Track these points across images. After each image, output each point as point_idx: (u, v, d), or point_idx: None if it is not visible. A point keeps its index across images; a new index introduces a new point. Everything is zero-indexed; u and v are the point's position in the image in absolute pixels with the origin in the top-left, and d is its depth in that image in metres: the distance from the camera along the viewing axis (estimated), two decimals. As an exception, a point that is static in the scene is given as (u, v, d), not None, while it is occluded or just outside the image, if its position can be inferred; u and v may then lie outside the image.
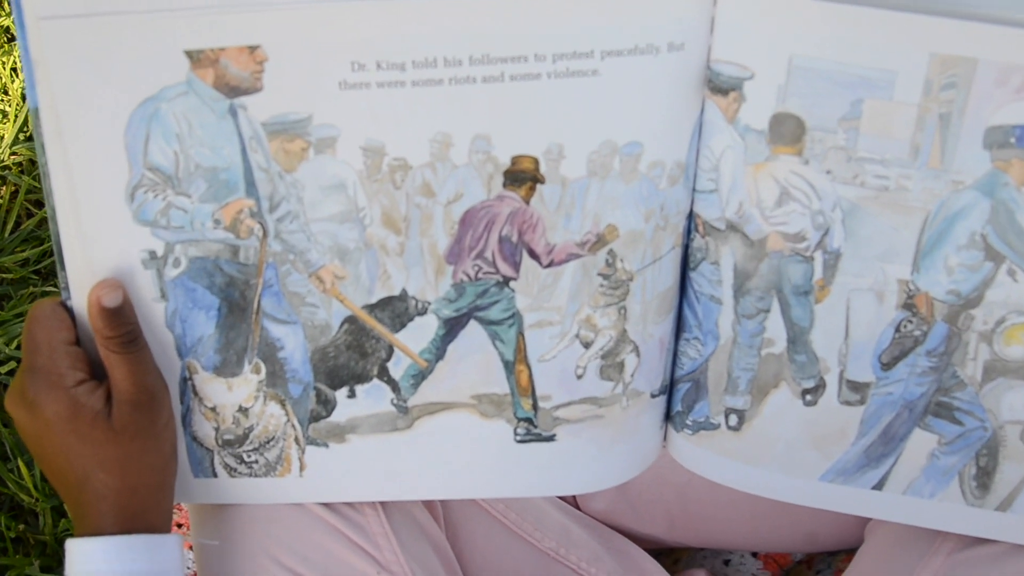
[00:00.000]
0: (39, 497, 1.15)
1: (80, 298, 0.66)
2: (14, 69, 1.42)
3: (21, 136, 1.38)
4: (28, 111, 1.38)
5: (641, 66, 0.62)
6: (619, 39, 0.61)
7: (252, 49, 0.61)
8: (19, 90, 1.40)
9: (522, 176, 0.64)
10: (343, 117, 0.63)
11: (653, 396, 0.73)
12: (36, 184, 1.36)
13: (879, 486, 0.72)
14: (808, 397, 0.70)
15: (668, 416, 0.76)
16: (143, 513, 0.67)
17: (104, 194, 0.64)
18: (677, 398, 0.74)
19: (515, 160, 0.64)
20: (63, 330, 0.65)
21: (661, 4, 0.61)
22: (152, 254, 0.66)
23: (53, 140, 0.63)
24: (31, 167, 1.37)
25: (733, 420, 0.72)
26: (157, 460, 0.68)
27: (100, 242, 0.66)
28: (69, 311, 0.67)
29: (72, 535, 0.66)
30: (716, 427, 0.73)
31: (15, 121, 1.38)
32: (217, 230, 0.65)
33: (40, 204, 1.38)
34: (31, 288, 1.31)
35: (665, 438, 0.77)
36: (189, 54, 0.61)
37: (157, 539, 0.66)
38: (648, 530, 0.92)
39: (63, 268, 0.66)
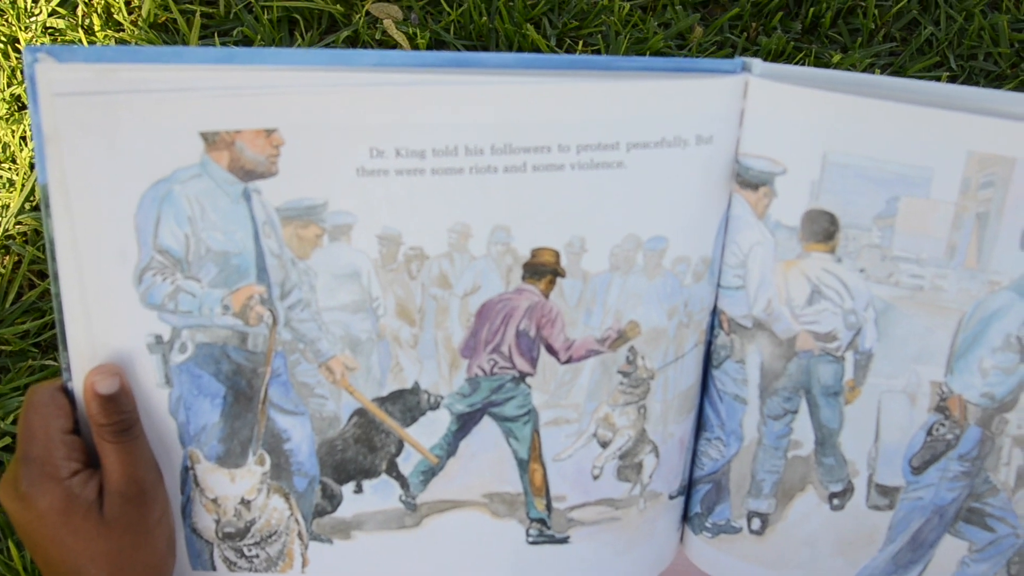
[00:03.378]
0: None
1: (81, 381, 0.64)
2: (23, 137, 1.41)
3: (27, 206, 1.37)
4: (36, 184, 1.37)
5: (668, 159, 0.60)
6: (645, 131, 0.59)
7: (269, 132, 0.59)
8: (27, 159, 1.39)
9: (542, 269, 0.62)
10: (360, 204, 0.61)
11: (671, 498, 0.70)
12: (40, 255, 1.34)
13: None
14: (835, 501, 0.67)
15: (685, 517, 0.73)
16: None
17: (111, 275, 0.62)
18: (696, 499, 0.71)
19: (535, 252, 0.62)
20: (60, 418, 0.63)
21: (690, 96, 0.59)
22: (158, 338, 0.64)
23: (61, 217, 0.61)
24: (36, 237, 1.35)
25: (756, 524, 0.69)
26: (150, 557, 0.65)
27: (105, 324, 0.63)
28: (69, 394, 0.64)
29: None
30: (738, 531, 0.69)
31: (21, 190, 1.37)
32: (226, 316, 0.63)
33: (43, 275, 1.36)
34: (30, 361, 1.28)
35: (681, 539, 0.74)
36: (204, 136, 0.59)
37: None
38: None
39: (65, 349, 0.64)
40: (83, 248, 0.62)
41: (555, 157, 0.59)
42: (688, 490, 0.72)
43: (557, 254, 0.61)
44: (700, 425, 0.70)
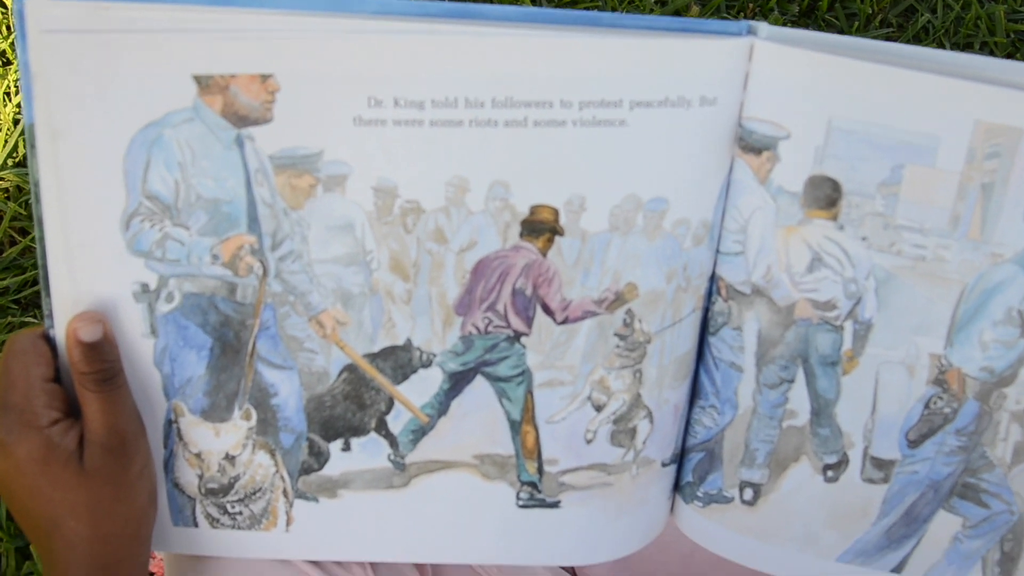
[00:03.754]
0: (3, 537, 1.10)
1: (64, 328, 0.62)
2: (7, 93, 1.39)
3: (10, 162, 1.35)
4: (23, 130, 1.35)
5: (671, 119, 0.59)
6: (649, 90, 0.58)
7: (264, 78, 0.58)
8: (11, 114, 1.37)
9: (540, 227, 0.61)
10: (356, 154, 0.59)
11: (664, 465, 0.70)
12: (22, 211, 1.32)
13: (899, 569, 0.69)
14: (829, 473, 0.66)
15: (677, 486, 0.72)
16: (116, 564, 0.62)
17: (98, 220, 0.61)
18: (688, 468, 0.70)
19: (534, 210, 0.60)
20: (41, 365, 0.61)
21: (695, 56, 0.58)
22: (144, 287, 0.62)
23: (47, 159, 0.59)
24: (17, 193, 1.34)
25: (748, 494, 0.68)
26: (130, 510, 0.63)
27: (89, 271, 0.62)
28: (51, 342, 0.63)
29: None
30: (729, 500, 0.69)
31: (4, 146, 1.35)
32: (215, 266, 0.62)
33: (25, 232, 1.34)
34: (9, 318, 1.26)
35: (672, 509, 0.73)
36: (198, 79, 0.58)
37: None
38: (648, 602, 0.87)
39: (48, 295, 0.62)
40: (69, 191, 0.60)
41: (557, 113, 0.58)
42: (680, 459, 0.71)
43: (556, 212, 0.60)
44: (694, 393, 0.69)
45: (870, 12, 1.59)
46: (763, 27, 0.59)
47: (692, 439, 0.69)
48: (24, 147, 1.36)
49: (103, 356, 0.61)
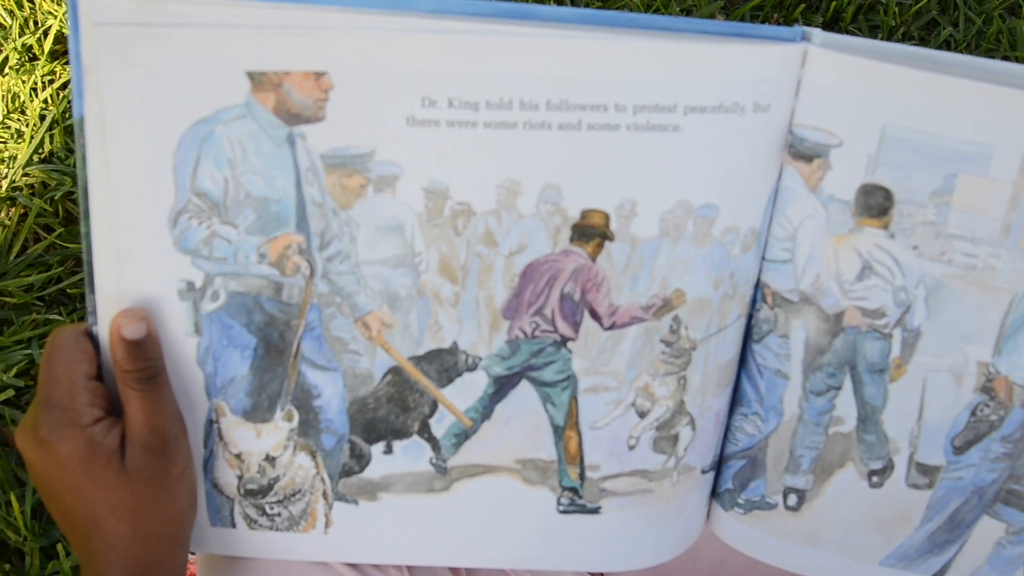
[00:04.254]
0: (28, 536, 1.09)
1: (107, 325, 0.62)
2: (33, 89, 1.39)
3: (35, 158, 1.35)
4: (49, 126, 1.34)
5: (724, 125, 0.59)
6: (704, 95, 0.58)
7: (318, 76, 0.57)
8: (37, 110, 1.37)
9: (591, 231, 0.60)
10: (408, 155, 0.59)
11: (703, 472, 0.69)
12: (47, 207, 1.32)
13: (941, 573, 0.68)
14: (875, 479, 0.66)
15: (714, 493, 0.71)
16: (155, 565, 0.62)
17: (145, 217, 0.60)
18: (727, 475, 0.70)
19: (585, 214, 0.60)
20: (84, 363, 0.61)
21: (750, 61, 0.58)
22: (190, 285, 0.62)
23: (96, 154, 0.59)
24: (43, 190, 1.33)
25: (792, 500, 0.68)
26: (172, 511, 0.63)
27: (135, 268, 0.61)
28: (94, 339, 0.62)
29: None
30: (773, 507, 0.68)
31: (30, 142, 1.34)
32: (262, 265, 0.61)
33: (49, 229, 1.34)
34: (34, 315, 1.26)
35: (708, 516, 0.72)
36: (251, 76, 0.57)
37: None
38: (678, 611, 0.87)
39: (92, 292, 0.62)
40: (117, 187, 0.60)
41: (611, 117, 0.58)
42: (719, 466, 0.70)
43: (607, 216, 0.60)
44: (735, 400, 0.68)
45: (893, 24, 1.59)
46: (817, 33, 0.59)
47: (733, 446, 0.69)
48: (50, 143, 1.36)
49: (147, 354, 0.61)
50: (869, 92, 0.58)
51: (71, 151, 1.37)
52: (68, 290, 1.30)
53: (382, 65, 0.57)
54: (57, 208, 1.34)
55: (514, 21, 0.57)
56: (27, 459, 0.61)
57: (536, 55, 0.57)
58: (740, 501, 0.69)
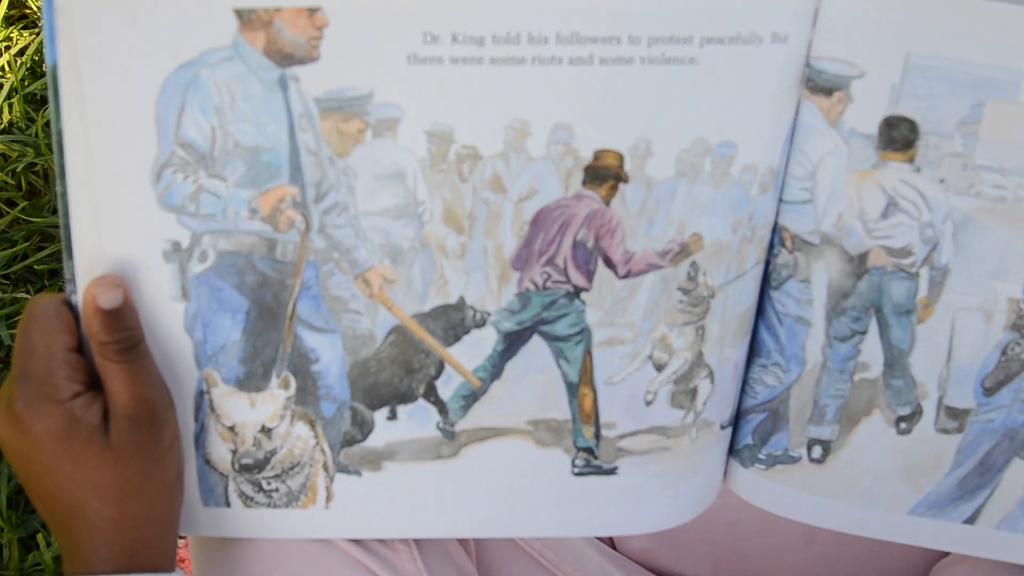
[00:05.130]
0: (4, 527, 1.03)
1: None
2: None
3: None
4: (7, 94, 1.28)
5: (742, 57, 0.56)
6: (721, 25, 0.55)
7: (312, 12, 0.53)
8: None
9: (604, 173, 0.57)
10: (409, 96, 0.55)
11: (722, 428, 0.66)
12: (9, 181, 1.26)
13: (971, 520, 0.66)
14: (903, 425, 0.64)
15: (731, 450, 0.68)
16: (143, 548, 0.58)
17: (126, 171, 0.56)
18: (746, 430, 0.67)
19: (598, 155, 0.57)
20: (64, 334, 0.56)
21: (767, -12, 0.55)
22: (176, 245, 0.57)
23: (71, 104, 0.55)
24: (3, 162, 1.27)
25: (817, 452, 0.65)
26: (160, 487, 0.58)
27: (116, 228, 0.57)
28: (73, 309, 0.58)
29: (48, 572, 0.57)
30: (796, 460, 0.65)
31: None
32: (253, 220, 0.57)
33: (12, 203, 1.27)
34: (0, 293, 1.20)
35: (725, 474, 0.70)
36: (239, 13, 0.53)
37: None
38: (690, 571, 0.84)
39: (70, 257, 0.57)
40: (95, 140, 0.55)
41: (624, 49, 0.54)
42: (736, 421, 0.67)
43: (621, 157, 0.57)
44: (752, 351, 0.65)
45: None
46: (834, -42, 0.56)
47: (751, 400, 0.66)
48: (8, 113, 1.29)
49: (125, 323, 0.57)
50: (891, 19, 0.56)
51: (32, 121, 1.31)
52: (35, 267, 1.24)
53: None
54: (19, 181, 1.28)
55: (520, -52, 0.54)
56: (2, 438, 0.56)
57: None
58: (761, 456, 0.67)
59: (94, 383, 0.57)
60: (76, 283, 0.58)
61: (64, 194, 0.56)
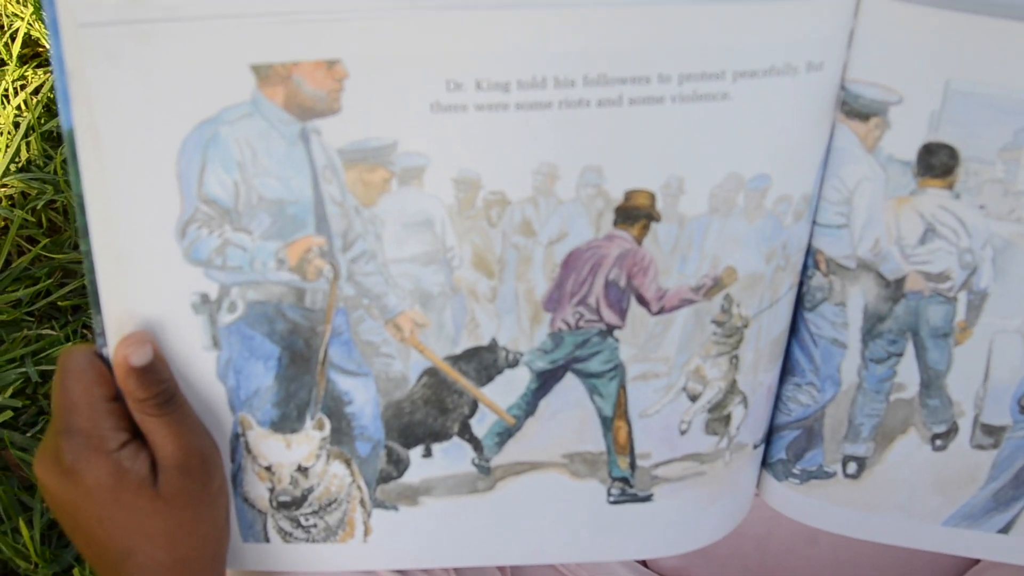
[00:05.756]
0: (39, 563, 1.05)
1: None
2: (4, 95, 1.31)
3: (12, 167, 1.27)
4: (25, 132, 1.27)
5: (776, 89, 0.54)
6: (754, 58, 0.53)
7: (330, 64, 0.52)
8: (11, 117, 1.29)
9: (636, 213, 0.56)
10: (433, 144, 0.54)
11: (755, 447, 0.66)
12: (29, 218, 1.25)
13: (1005, 530, 0.66)
14: (938, 442, 0.63)
15: (764, 463, 0.68)
16: None
17: (150, 230, 0.55)
18: (780, 445, 0.67)
19: (629, 195, 0.55)
20: (102, 385, 0.56)
21: (801, 17, 0.53)
22: (204, 298, 0.57)
23: (91, 167, 0.54)
24: (23, 200, 1.26)
25: (852, 468, 0.65)
26: (211, 530, 0.59)
27: (143, 284, 0.56)
28: (105, 361, 0.57)
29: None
30: (831, 476, 0.65)
31: (5, 151, 1.27)
32: (281, 271, 0.56)
33: (33, 241, 1.27)
34: (25, 331, 1.19)
35: (758, 487, 0.70)
36: (256, 69, 0.52)
37: None
38: (722, 586, 0.85)
39: (99, 312, 0.57)
40: (117, 200, 0.54)
41: (655, 89, 0.53)
42: (768, 436, 0.67)
43: (653, 196, 0.55)
44: (785, 369, 0.65)
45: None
46: (870, -20, 0.54)
47: (785, 416, 0.66)
48: (26, 151, 1.28)
49: (159, 378, 0.56)
50: (931, 43, 0.54)
51: (50, 158, 1.29)
52: (59, 303, 1.24)
53: (400, 48, 0.51)
54: (40, 218, 1.27)
55: (543, -9, 0.52)
56: (48, 489, 0.57)
57: (571, 27, 0.51)
58: (795, 471, 0.66)
59: (137, 432, 0.57)
60: (106, 337, 0.57)
61: (89, 253, 0.56)
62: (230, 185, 0.54)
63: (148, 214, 0.55)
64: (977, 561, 0.78)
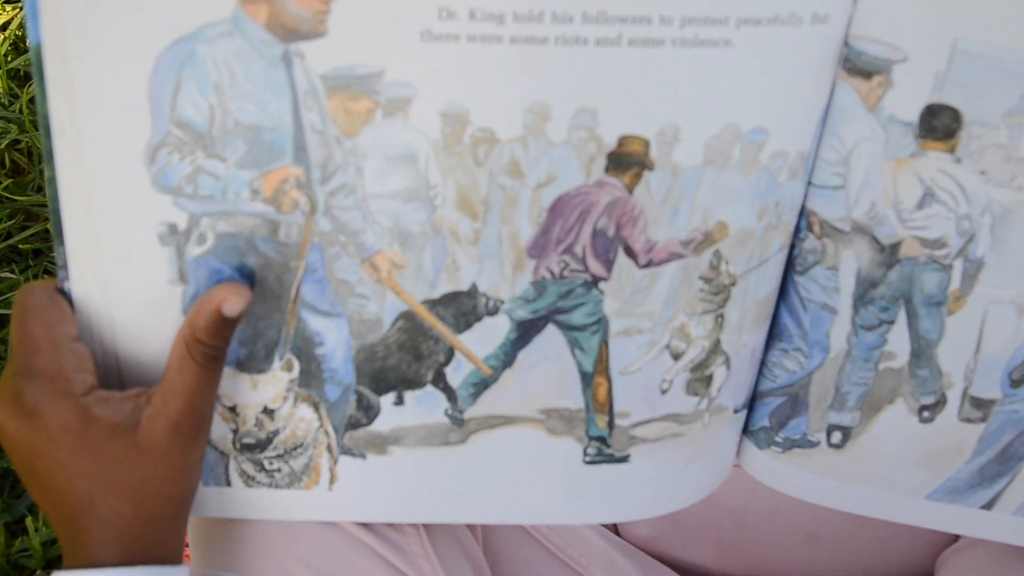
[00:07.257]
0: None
1: (82, 280, 0.55)
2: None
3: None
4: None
5: (779, 39, 0.52)
6: (758, 5, 0.51)
7: (318, -16, 0.49)
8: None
9: (629, 160, 0.54)
10: (422, 75, 0.51)
11: (736, 411, 0.64)
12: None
13: (989, 506, 0.65)
14: (925, 414, 0.62)
15: (746, 431, 0.67)
16: (154, 545, 0.56)
17: (119, 153, 0.52)
18: (763, 413, 0.65)
19: (623, 141, 0.53)
20: (65, 323, 0.54)
21: (809, -36, 0.51)
22: (172, 228, 0.54)
23: (58, 86, 0.51)
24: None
25: (836, 437, 0.64)
26: (180, 492, 0.56)
27: (109, 211, 0.54)
28: (67, 297, 0.55)
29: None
30: (815, 445, 0.64)
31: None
32: (255, 202, 0.54)
33: None
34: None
35: (738, 455, 0.68)
36: (238, -14, 0.49)
37: (167, 572, 0.55)
38: (694, 558, 0.83)
39: (62, 243, 0.54)
40: (85, 122, 0.52)
41: (655, 30, 0.51)
42: (752, 403, 0.65)
43: (647, 143, 0.53)
44: (772, 334, 0.63)
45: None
46: (880, -68, 0.52)
47: (770, 383, 0.64)
48: None
49: (229, 333, 0.54)
50: (939, 2, 0.52)
51: (15, 97, 1.25)
52: (19, 246, 1.20)
53: None
54: (3, 158, 1.23)
55: (545, -82, 0.49)
56: (7, 434, 0.54)
57: None
58: (778, 439, 0.65)
59: (104, 380, 0.55)
60: (68, 270, 0.55)
61: (53, 178, 0.53)
62: (205, 108, 0.51)
63: (116, 136, 0.52)
64: (956, 539, 0.77)
